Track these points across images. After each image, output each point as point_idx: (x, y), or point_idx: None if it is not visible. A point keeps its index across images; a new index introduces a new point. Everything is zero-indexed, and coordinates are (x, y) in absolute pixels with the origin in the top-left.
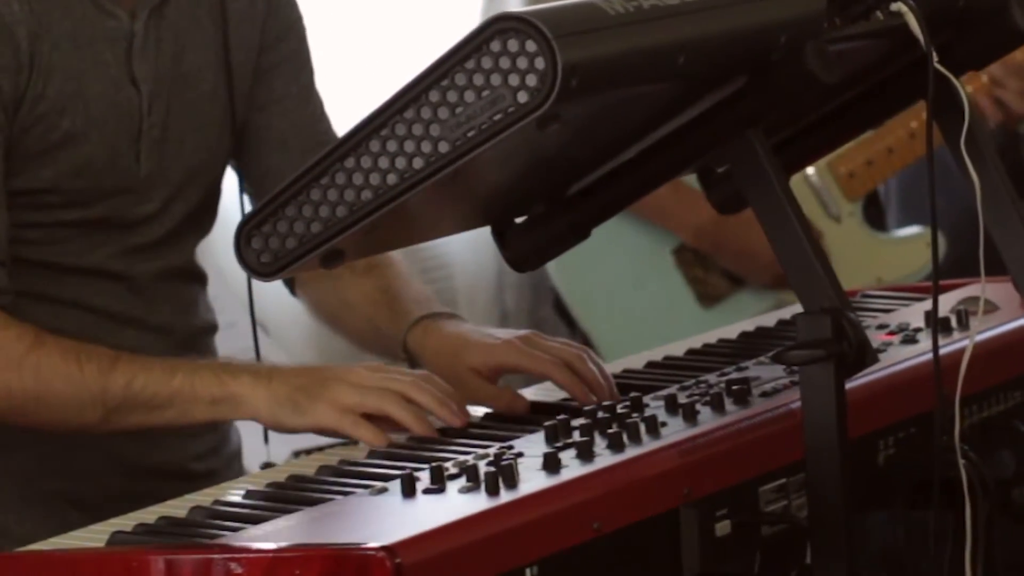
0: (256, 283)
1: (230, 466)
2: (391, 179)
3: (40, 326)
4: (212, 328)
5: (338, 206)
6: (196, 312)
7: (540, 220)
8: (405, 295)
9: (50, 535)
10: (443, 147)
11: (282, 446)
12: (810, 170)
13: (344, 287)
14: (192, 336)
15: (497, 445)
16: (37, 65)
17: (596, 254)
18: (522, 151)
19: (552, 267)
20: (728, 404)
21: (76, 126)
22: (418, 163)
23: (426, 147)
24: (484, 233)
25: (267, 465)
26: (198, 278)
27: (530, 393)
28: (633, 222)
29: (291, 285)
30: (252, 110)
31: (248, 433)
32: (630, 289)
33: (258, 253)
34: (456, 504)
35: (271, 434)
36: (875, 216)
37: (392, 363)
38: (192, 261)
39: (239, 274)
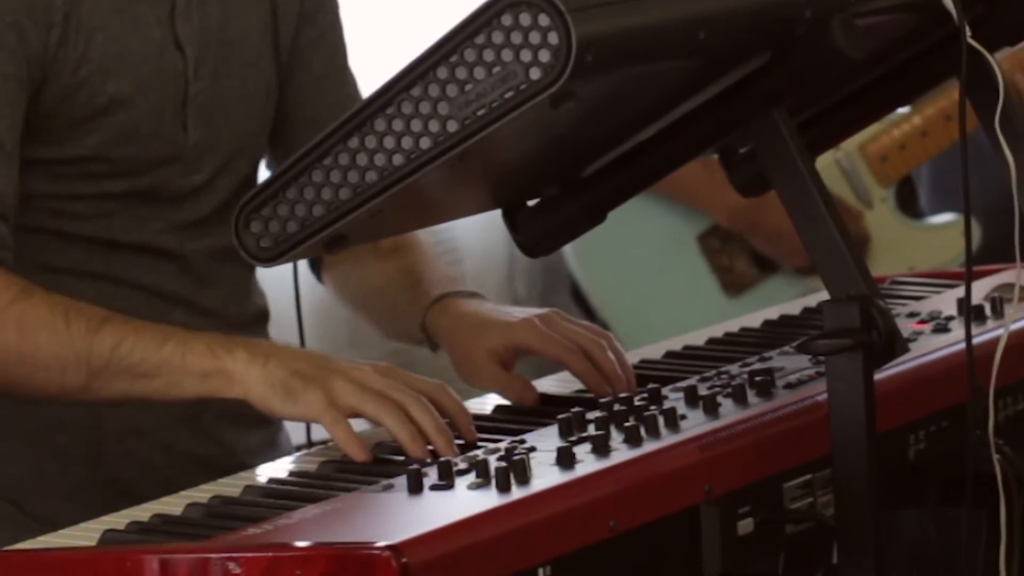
0: (265, 271)
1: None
2: (397, 160)
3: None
4: (265, 315)
5: (341, 188)
6: (249, 297)
7: (553, 203)
8: (428, 276)
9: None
10: (451, 126)
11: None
12: (840, 153)
13: (367, 270)
14: (245, 322)
15: (508, 439)
16: (75, 25)
17: (616, 239)
18: (534, 130)
19: (569, 252)
20: (751, 396)
21: (121, 90)
22: (425, 143)
23: (434, 126)
24: (495, 216)
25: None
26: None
27: (548, 383)
28: (657, 205)
29: (317, 270)
30: (287, 87)
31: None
32: (652, 277)
33: (257, 237)
34: (465, 501)
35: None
36: (908, 202)
37: (412, 350)
38: None
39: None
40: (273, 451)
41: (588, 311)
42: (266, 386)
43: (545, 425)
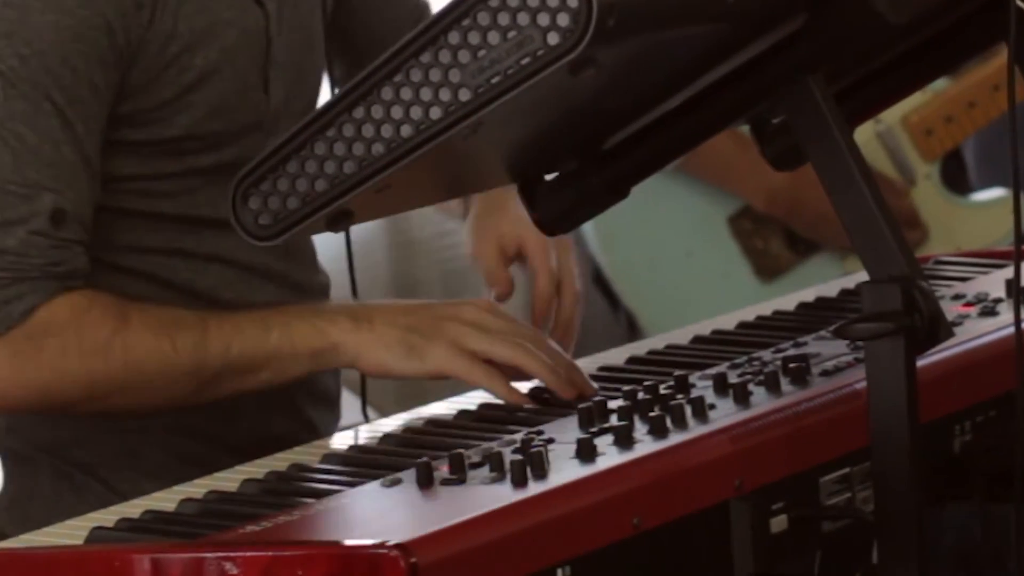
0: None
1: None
2: (405, 131)
3: (181, 283)
4: (329, 287)
5: (345, 161)
6: (317, 267)
7: (573, 177)
8: None
9: None
10: (464, 95)
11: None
12: (881, 127)
13: None
14: (317, 294)
15: (524, 430)
16: (162, 2)
17: (641, 220)
18: (552, 100)
19: (591, 234)
20: (784, 384)
21: (209, 62)
22: (435, 113)
23: (445, 95)
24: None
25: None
26: None
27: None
28: (685, 184)
29: None
30: (341, 15)
31: None
32: (680, 261)
33: (256, 214)
34: (479, 496)
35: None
36: (954, 178)
37: None
38: None
39: None
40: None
41: (611, 297)
42: (381, 348)
43: (564, 415)
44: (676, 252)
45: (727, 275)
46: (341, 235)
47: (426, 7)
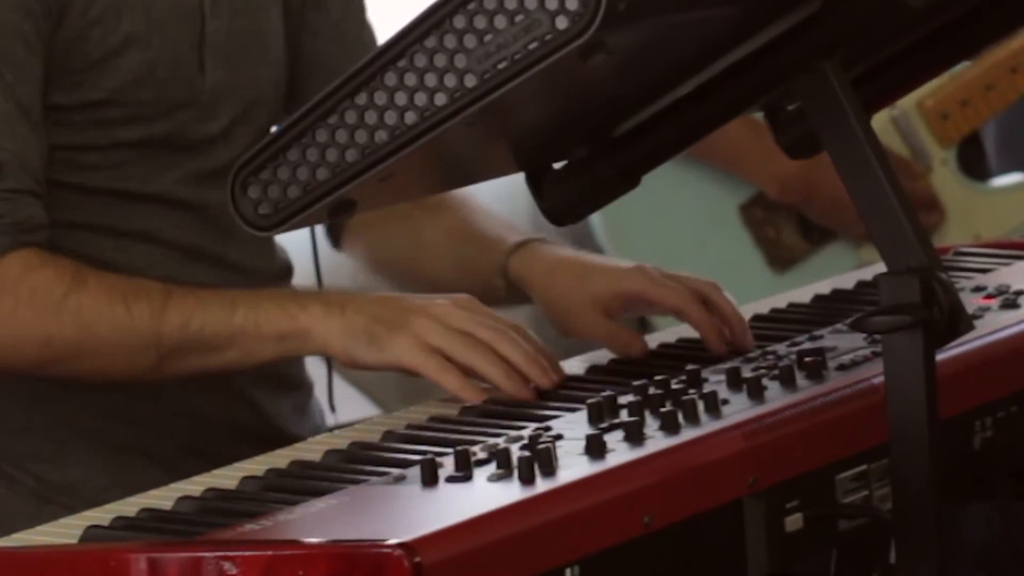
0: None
1: (319, 430)
2: (409, 118)
3: (105, 261)
4: (290, 270)
5: (348, 149)
6: (273, 251)
7: (582, 165)
8: (494, 224)
9: (124, 492)
10: (469, 81)
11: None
12: (896, 112)
13: (418, 226)
14: (271, 277)
15: (532, 426)
16: None
17: (650, 210)
18: (561, 85)
19: (598, 225)
20: (800, 379)
21: (136, 28)
22: (440, 99)
23: (450, 81)
24: (516, 181)
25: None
26: None
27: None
28: (695, 172)
29: (335, 236)
30: (304, 35)
31: None
32: (690, 251)
33: (255, 203)
34: (485, 494)
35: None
36: (972, 163)
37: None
38: None
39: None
40: (304, 417)
41: None
42: (346, 336)
43: (573, 410)
44: (687, 243)
45: (739, 265)
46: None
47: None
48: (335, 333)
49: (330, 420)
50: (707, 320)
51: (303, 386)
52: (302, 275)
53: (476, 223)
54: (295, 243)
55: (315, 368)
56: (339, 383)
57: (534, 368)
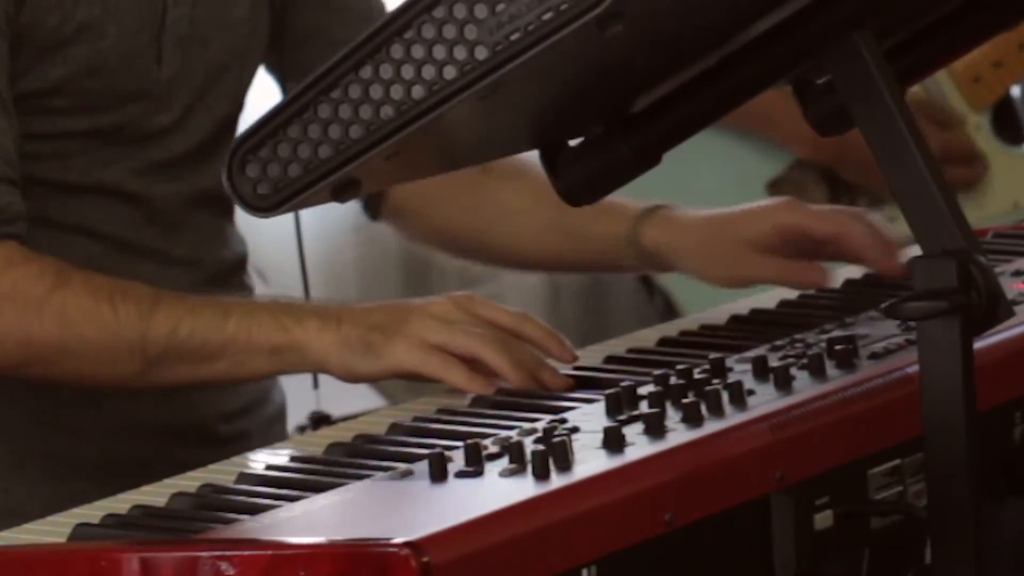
0: (253, 219)
1: (269, 430)
2: (417, 92)
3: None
4: (242, 261)
5: (352, 125)
6: (226, 244)
7: (599, 143)
8: None
9: (46, 506)
10: (480, 53)
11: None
12: None
13: (495, 193)
14: (221, 271)
15: (547, 418)
16: None
17: (672, 188)
18: (577, 58)
19: None
20: (830, 368)
21: (92, 17)
22: (450, 72)
23: (460, 53)
24: (531, 157)
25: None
26: (226, 206)
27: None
28: (721, 146)
29: (373, 206)
30: (304, 9)
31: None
32: None
33: (254, 183)
34: (496, 490)
35: (322, 391)
36: (1006, 126)
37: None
38: (220, 186)
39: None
40: (250, 418)
41: (643, 277)
42: (343, 350)
43: (590, 401)
44: None
45: None
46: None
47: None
48: (332, 348)
49: (311, 396)
50: (866, 234)
51: (256, 384)
52: (287, 265)
53: None
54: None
55: None
56: None
57: (552, 342)
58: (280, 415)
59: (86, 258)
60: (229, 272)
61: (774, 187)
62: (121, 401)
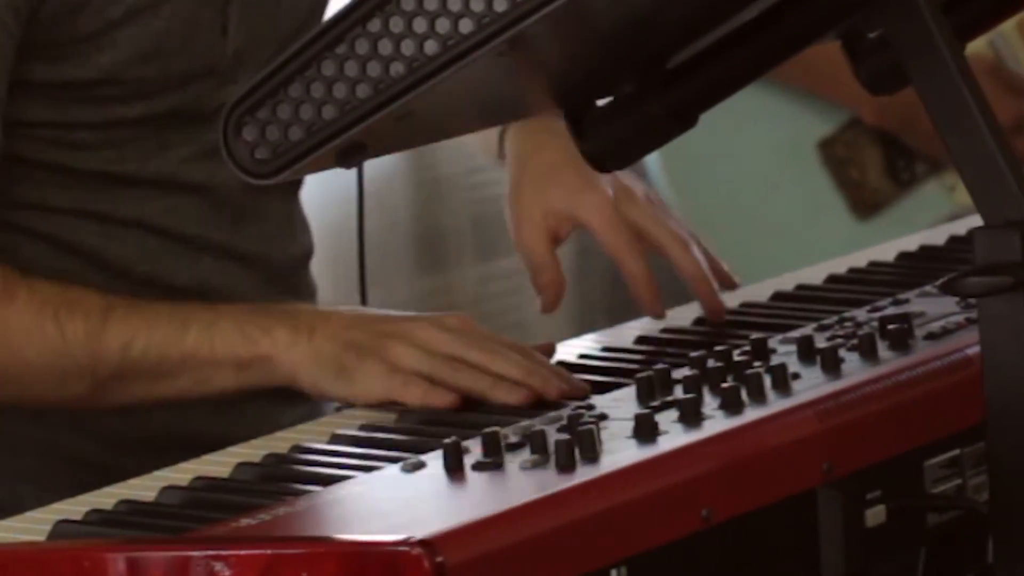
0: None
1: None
2: (430, 47)
3: (89, 249)
4: (308, 254)
5: (359, 84)
6: (294, 236)
7: (630, 102)
8: None
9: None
10: (500, 4)
11: None
12: (994, 34)
13: None
14: (286, 267)
15: (572, 404)
16: None
17: (715, 147)
18: (606, 9)
19: (654, 166)
20: (882, 349)
21: None
22: (466, 26)
23: (477, 5)
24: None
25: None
26: (292, 186)
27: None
28: (768, 101)
29: None
30: None
31: None
32: (760, 195)
33: (251, 147)
34: (517, 484)
35: None
36: None
37: None
38: None
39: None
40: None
41: None
42: (314, 366)
43: (619, 385)
44: (757, 185)
45: (817, 211)
46: (351, 173)
47: None
48: (302, 363)
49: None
50: (696, 271)
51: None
52: (345, 241)
53: None
54: (338, 201)
55: None
56: None
57: (535, 379)
58: None
59: (140, 255)
60: (294, 267)
61: (825, 148)
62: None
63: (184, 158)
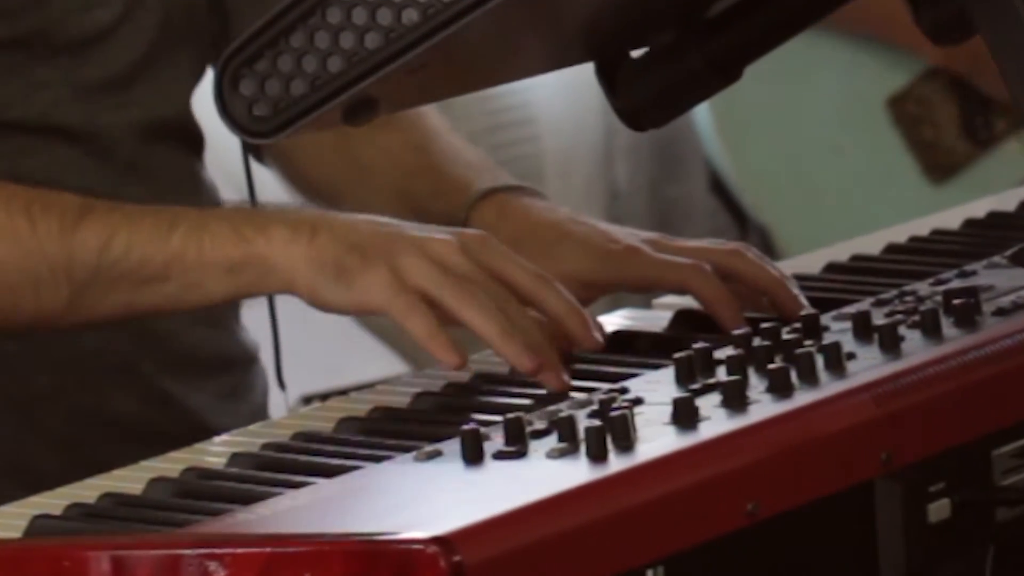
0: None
1: (258, 413)
2: None
3: None
4: None
5: (368, 32)
6: (198, 191)
7: (668, 54)
8: (452, 157)
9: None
10: None
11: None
12: None
13: (355, 145)
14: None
15: (604, 387)
16: None
17: (772, 103)
18: None
19: (708, 129)
20: (946, 327)
21: None
22: None
23: None
24: (585, 72)
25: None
26: (193, 143)
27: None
28: (831, 52)
29: (256, 147)
30: None
31: None
32: (824, 158)
33: (249, 102)
34: (543, 475)
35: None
36: None
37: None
38: (186, 113)
39: (227, 143)
40: (237, 402)
41: (735, 210)
42: (313, 268)
43: (656, 367)
44: (820, 147)
45: (887, 175)
46: None
47: None
48: (301, 265)
49: (279, 399)
50: (712, 290)
51: (236, 365)
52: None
53: (431, 152)
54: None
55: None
56: (360, 333)
57: (574, 320)
58: (264, 406)
59: None
60: None
61: (895, 104)
62: (86, 396)
63: (56, 99)
